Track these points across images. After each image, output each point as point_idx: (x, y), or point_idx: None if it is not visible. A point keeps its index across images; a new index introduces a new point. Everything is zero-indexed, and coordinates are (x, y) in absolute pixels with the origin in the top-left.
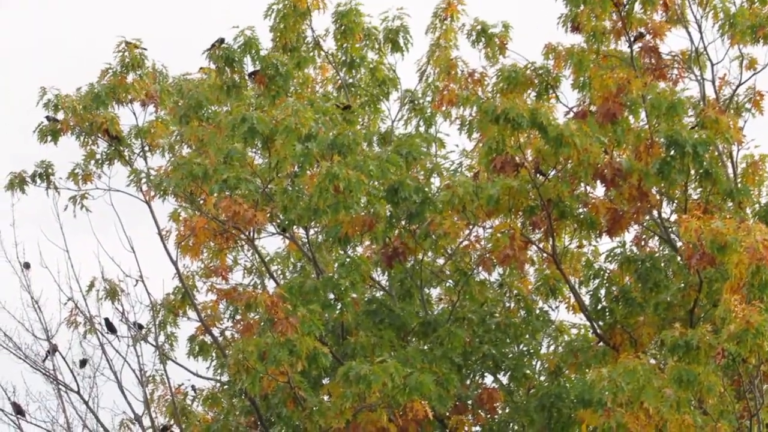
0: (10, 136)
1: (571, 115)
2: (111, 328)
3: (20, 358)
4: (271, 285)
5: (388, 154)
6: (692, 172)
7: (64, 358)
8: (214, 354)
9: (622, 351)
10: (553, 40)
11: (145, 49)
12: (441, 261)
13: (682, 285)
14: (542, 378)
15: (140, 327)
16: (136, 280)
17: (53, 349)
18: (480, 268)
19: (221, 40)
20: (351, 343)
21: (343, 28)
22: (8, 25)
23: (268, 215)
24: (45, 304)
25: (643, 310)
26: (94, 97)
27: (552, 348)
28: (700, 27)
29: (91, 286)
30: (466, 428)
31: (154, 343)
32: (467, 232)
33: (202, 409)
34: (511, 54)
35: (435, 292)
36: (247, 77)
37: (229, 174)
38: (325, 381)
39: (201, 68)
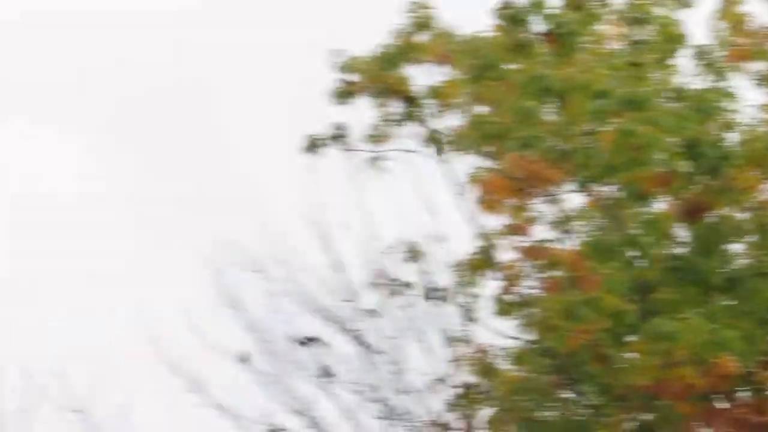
0: (304, 98)
1: None
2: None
3: (325, 320)
4: (572, 241)
5: (684, 109)
6: None
7: (370, 320)
8: (519, 312)
9: None
10: None
11: (434, 8)
12: (741, 215)
13: None
14: None
15: (443, 289)
16: (439, 239)
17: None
18: None
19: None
20: (655, 300)
21: None
22: None
23: (565, 172)
24: (348, 266)
25: None
26: (386, 59)
27: None
28: None
29: (393, 247)
30: None
31: (458, 304)
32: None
33: (509, 369)
34: None
35: (736, 247)
36: (535, 36)
37: (524, 132)
38: (630, 338)
39: (494, 26)
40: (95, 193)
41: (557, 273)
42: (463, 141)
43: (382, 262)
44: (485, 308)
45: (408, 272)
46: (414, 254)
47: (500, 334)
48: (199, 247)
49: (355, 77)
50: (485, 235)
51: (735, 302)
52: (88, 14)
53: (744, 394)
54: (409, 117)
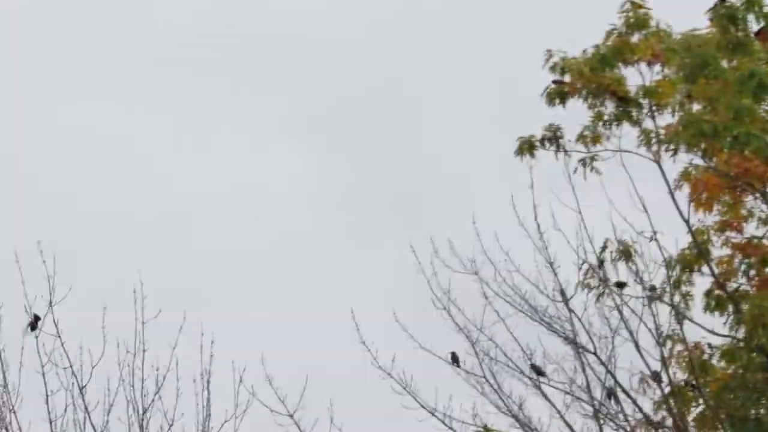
0: (516, 100)
1: None
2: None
3: (536, 320)
4: None
5: None
6: None
7: (580, 319)
8: (730, 309)
9: None
10: None
11: (649, 8)
12: None
13: None
14: None
15: (653, 288)
16: (650, 237)
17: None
18: None
19: None
20: None
21: None
22: None
23: None
24: (560, 266)
25: None
26: (600, 59)
27: None
28: None
29: (605, 247)
30: None
31: (669, 302)
32: None
33: (720, 366)
34: None
35: None
36: (753, 35)
37: (739, 130)
38: None
39: (709, 24)
40: (306, 193)
41: None
42: (676, 139)
43: (595, 262)
44: (697, 305)
45: (620, 271)
46: (626, 253)
47: (711, 332)
48: (411, 248)
49: (568, 78)
50: (698, 232)
51: None
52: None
53: None
54: (623, 117)
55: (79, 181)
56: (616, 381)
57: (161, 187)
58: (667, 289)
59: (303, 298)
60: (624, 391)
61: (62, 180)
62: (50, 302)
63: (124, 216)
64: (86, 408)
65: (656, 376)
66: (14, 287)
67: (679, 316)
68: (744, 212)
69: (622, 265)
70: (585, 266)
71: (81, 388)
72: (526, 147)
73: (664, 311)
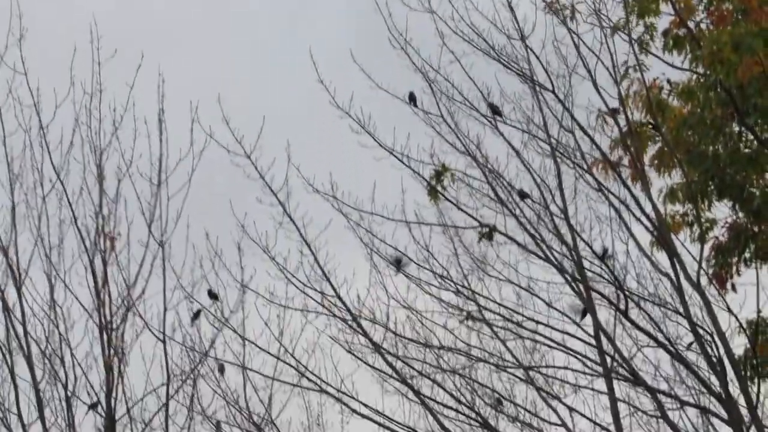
0: None
1: None
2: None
3: (493, 58)
4: None
5: None
6: None
7: (537, 57)
8: (688, 47)
9: None
10: None
11: None
12: None
13: None
14: None
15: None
16: None
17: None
18: None
19: None
20: None
21: None
22: None
23: None
24: (518, 3)
25: None
26: None
27: None
28: None
29: None
30: None
31: (626, 35)
32: None
33: (677, 103)
34: None
35: None
36: None
37: None
38: None
39: None
40: None
41: (728, 5)
42: None
43: None
44: (657, 46)
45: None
46: None
47: (670, 66)
48: None
49: None
50: None
51: None
52: None
53: None
54: None
55: None
56: (573, 118)
57: None
58: (629, 19)
59: (261, 41)
60: (581, 128)
61: None
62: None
63: None
64: (47, 146)
65: (614, 113)
66: None
67: (643, 45)
68: None
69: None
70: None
71: (42, 128)
72: None
73: (622, 48)
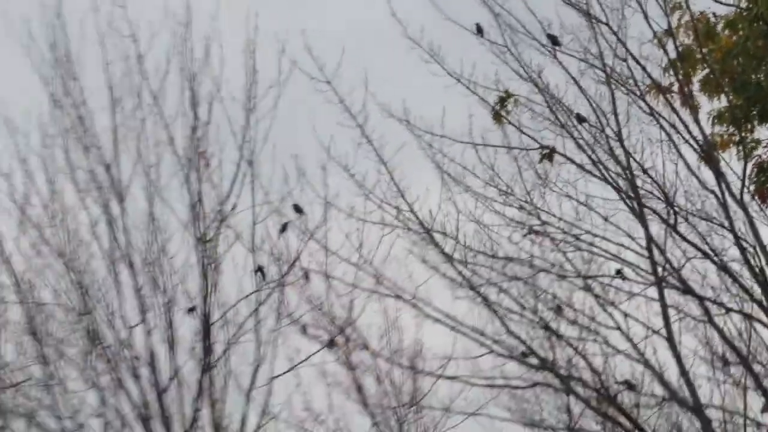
0: None
1: None
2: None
3: None
4: None
5: None
6: None
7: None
8: None
9: None
10: None
11: None
12: None
13: None
14: None
15: None
16: None
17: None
18: None
19: None
20: None
21: None
22: None
23: None
24: None
25: None
26: None
27: None
28: None
29: None
30: None
31: None
32: None
33: (724, 35)
34: None
35: None
36: None
37: None
38: None
39: None
40: None
41: None
42: None
43: None
44: None
45: None
46: None
47: (716, 0)
48: None
49: None
50: None
51: None
52: None
53: None
54: None
55: None
56: (626, 48)
57: None
58: None
59: None
60: (633, 57)
61: None
62: None
63: None
64: (145, 73)
65: (668, 33)
66: None
67: None
68: None
69: None
70: None
71: (140, 55)
72: None
73: None
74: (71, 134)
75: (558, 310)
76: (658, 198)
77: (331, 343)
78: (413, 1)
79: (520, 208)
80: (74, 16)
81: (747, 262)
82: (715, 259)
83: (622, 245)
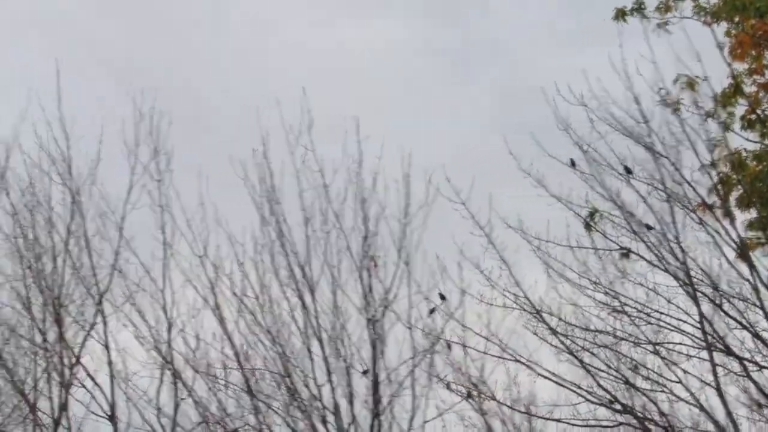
0: None
1: None
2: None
3: (626, 135)
4: None
5: None
6: None
7: (656, 134)
8: (758, 127)
9: None
10: None
11: None
12: None
13: None
14: None
15: (708, 112)
16: (703, 78)
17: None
18: None
19: None
20: None
21: None
22: None
23: None
24: (641, 98)
25: None
26: None
27: None
28: None
29: (677, 79)
30: None
31: (717, 118)
32: None
33: (752, 165)
34: None
35: None
36: None
37: (760, 3)
38: None
39: None
40: None
41: None
42: (718, 12)
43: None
44: (735, 127)
45: (684, 99)
46: (691, 84)
47: (747, 139)
48: None
49: None
50: (736, 76)
51: None
52: None
53: None
54: None
55: None
56: (681, 175)
57: None
58: (717, 109)
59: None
60: (687, 182)
61: None
62: (309, 125)
63: None
64: (328, 199)
65: (712, 166)
66: None
67: (724, 126)
68: (765, 62)
69: (686, 93)
70: (663, 92)
71: (325, 186)
72: (620, 14)
73: (712, 129)
74: (275, 244)
75: (635, 369)
76: (708, 284)
77: (468, 396)
78: (523, 140)
79: (606, 293)
80: (276, 157)
81: None
82: (751, 329)
83: (681, 320)
